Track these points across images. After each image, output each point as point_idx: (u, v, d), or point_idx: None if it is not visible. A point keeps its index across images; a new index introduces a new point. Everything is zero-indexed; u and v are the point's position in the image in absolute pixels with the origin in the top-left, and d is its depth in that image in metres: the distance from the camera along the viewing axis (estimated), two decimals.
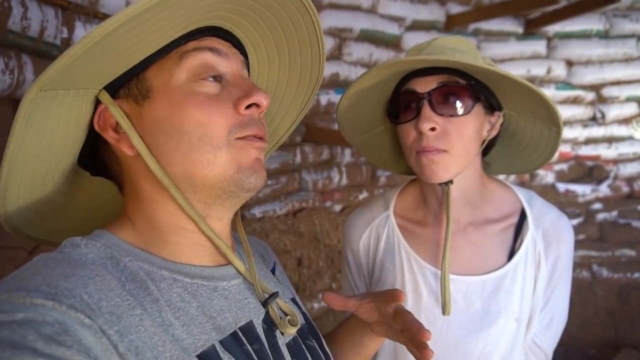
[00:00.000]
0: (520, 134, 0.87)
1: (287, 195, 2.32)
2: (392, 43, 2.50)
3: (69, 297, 0.39)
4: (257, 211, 2.18)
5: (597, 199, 3.08)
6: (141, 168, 0.51)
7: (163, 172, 0.49)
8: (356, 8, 2.34)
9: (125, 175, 0.53)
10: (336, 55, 2.36)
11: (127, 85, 0.51)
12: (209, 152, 0.49)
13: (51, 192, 0.54)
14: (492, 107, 0.81)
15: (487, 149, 0.86)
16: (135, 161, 0.51)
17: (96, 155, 0.55)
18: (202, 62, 0.51)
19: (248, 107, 0.51)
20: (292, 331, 0.55)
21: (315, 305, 2.38)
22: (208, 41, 0.53)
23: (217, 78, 0.52)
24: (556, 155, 3.15)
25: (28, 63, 1.22)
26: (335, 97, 2.34)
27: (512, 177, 3.01)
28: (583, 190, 3.05)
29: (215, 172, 0.50)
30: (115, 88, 0.51)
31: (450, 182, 0.80)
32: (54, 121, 0.47)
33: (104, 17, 1.41)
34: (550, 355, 0.87)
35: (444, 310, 0.76)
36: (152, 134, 0.50)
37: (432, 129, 0.75)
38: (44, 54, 1.27)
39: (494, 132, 0.83)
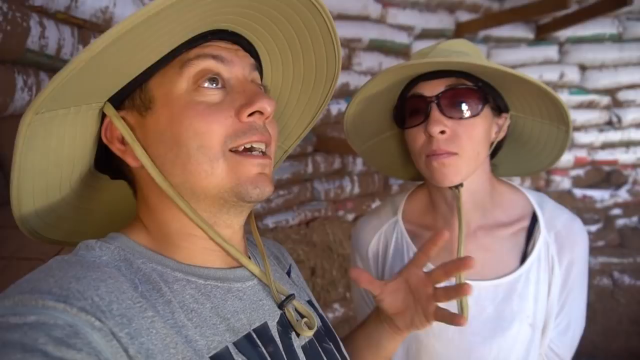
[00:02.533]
0: (527, 135, 0.86)
1: (299, 205, 2.33)
2: (402, 52, 2.51)
3: (80, 299, 0.40)
4: (270, 221, 2.19)
5: (616, 205, 3.02)
6: (147, 179, 0.52)
7: (167, 183, 0.50)
8: (365, 18, 2.36)
9: (136, 183, 0.55)
10: (346, 65, 2.38)
11: (132, 96, 0.51)
12: (206, 163, 0.49)
13: (68, 196, 0.55)
14: (499, 109, 0.81)
15: (494, 151, 0.85)
16: (141, 172, 0.52)
17: (113, 160, 0.56)
18: (203, 69, 0.50)
19: (251, 114, 0.50)
20: (309, 334, 0.55)
21: (330, 315, 2.36)
22: (211, 47, 0.51)
23: (220, 85, 0.51)
24: (572, 160, 3.10)
25: (46, 80, 1.26)
26: (345, 107, 2.35)
27: (527, 183, 2.97)
28: (601, 195, 2.99)
29: (214, 183, 0.49)
30: (120, 99, 0.51)
31: (461, 185, 0.79)
32: (57, 140, 0.48)
33: None
34: None
35: (461, 309, 0.74)
36: (154, 146, 0.50)
37: (442, 132, 0.74)
38: None
39: (502, 134, 0.82)
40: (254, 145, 0.51)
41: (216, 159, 0.49)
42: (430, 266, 0.84)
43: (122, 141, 0.52)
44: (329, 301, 2.37)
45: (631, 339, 2.91)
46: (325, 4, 0.52)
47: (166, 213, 0.52)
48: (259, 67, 0.58)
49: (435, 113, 0.75)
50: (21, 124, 0.45)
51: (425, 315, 0.66)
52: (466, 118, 0.75)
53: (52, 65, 1.27)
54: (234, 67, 0.52)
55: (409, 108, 0.79)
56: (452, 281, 0.81)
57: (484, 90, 0.77)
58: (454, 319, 0.62)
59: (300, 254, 2.30)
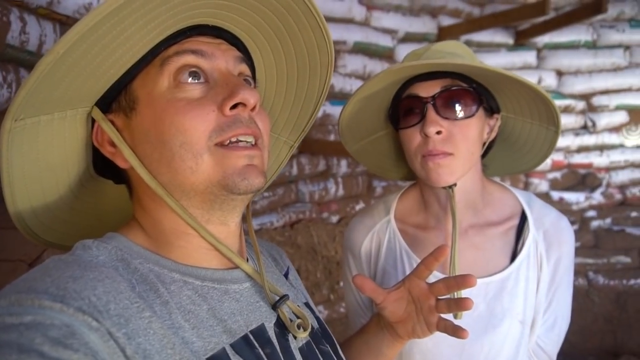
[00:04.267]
0: (516, 136, 0.88)
1: (284, 206, 2.32)
2: (386, 55, 2.53)
3: (77, 299, 0.39)
4: (254, 223, 2.18)
5: (591, 207, 3.11)
6: (139, 179, 0.52)
7: (157, 183, 0.49)
8: (349, 21, 2.37)
9: (130, 184, 0.55)
10: None
11: (118, 98, 0.51)
12: (191, 159, 0.48)
13: (67, 197, 0.55)
14: (491, 109, 0.83)
15: (485, 151, 0.87)
16: (133, 173, 0.52)
17: (110, 163, 0.55)
18: (183, 64, 0.49)
19: (234, 107, 0.49)
20: (303, 335, 0.54)
21: None
22: (190, 43, 0.50)
23: (201, 79, 0.50)
24: (549, 163, 3.17)
25: (26, 77, 1.23)
26: (330, 109, 2.36)
27: (507, 185, 3.03)
28: (577, 198, 3.08)
29: (201, 179, 0.49)
30: (107, 103, 0.51)
31: (454, 185, 0.80)
32: (45, 145, 0.48)
33: None
34: (554, 358, 0.87)
35: (456, 314, 0.75)
36: (140, 146, 0.50)
37: (438, 133, 0.75)
38: None
39: (493, 135, 0.84)
40: (240, 139, 0.49)
41: (200, 154, 0.48)
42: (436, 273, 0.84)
43: (112, 144, 0.52)
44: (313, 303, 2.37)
45: (605, 338, 3.00)
46: None
47: (159, 212, 0.52)
48: (248, 61, 0.57)
49: (431, 113, 0.76)
50: (1, 131, 0.44)
51: (427, 325, 0.67)
52: (461, 119, 0.77)
53: (33, 61, 1.23)
54: (216, 60, 0.51)
55: (404, 108, 0.80)
56: (441, 276, 0.82)
57: (478, 92, 0.79)
58: (456, 331, 0.63)
59: None
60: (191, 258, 0.52)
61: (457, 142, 0.76)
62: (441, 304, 0.65)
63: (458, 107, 0.76)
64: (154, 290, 0.46)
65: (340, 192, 2.51)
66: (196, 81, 0.49)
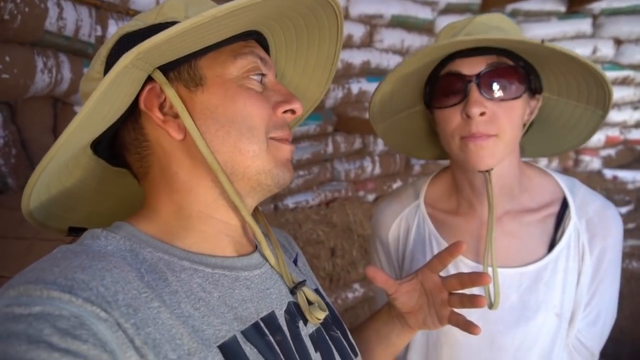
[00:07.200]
0: (555, 117, 0.82)
1: (319, 185, 2.31)
2: (425, 28, 2.43)
3: (85, 290, 0.39)
4: (290, 202, 2.19)
5: None
6: (180, 154, 0.51)
7: (214, 157, 0.50)
8: None
9: (155, 162, 0.53)
10: (367, 42, 2.32)
11: (177, 69, 0.51)
12: (255, 143, 0.51)
13: (70, 184, 0.54)
14: (534, 90, 0.76)
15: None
16: (176, 146, 0.51)
17: (113, 144, 0.55)
18: (253, 64, 0.53)
19: (285, 111, 0.55)
20: (322, 316, 0.55)
21: (350, 295, 2.37)
22: (258, 49, 0.56)
23: (261, 80, 0.55)
24: (602, 139, 2.97)
25: (65, 62, 1.26)
26: (366, 86, 2.30)
27: (555, 163, 2.88)
28: (633, 176, 2.88)
29: (257, 164, 0.52)
30: (163, 69, 0.51)
31: (491, 169, 0.75)
32: (118, 91, 0.47)
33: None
34: (597, 354, 0.82)
35: (492, 304, 0.72)
36: (201, 121, 0.50)
37: (482, 114, 0.70)
38: (80, 52, 1.31)
39: (532, 117, 0.78)
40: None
41: (262, 142, 0.52)
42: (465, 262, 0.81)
43: (162, 111, 0.51)
44: (348, 281, 2.38)
45: None
46: None
47: (191, 193, 0.52)
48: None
49: (475, 93, 0.70)
50: (118, 64, 0.43)
51: (438, 318, 0.66)
52: (508, 100, 0.71)
53: (70, 46, 1.27)
54: (269, 70, 0.56)
55: (443, 87, 0.74)
56: (471, 264, 0.79)
57: (526, 70, 0.72)
58: (468, 327, 0.62)
59: (320, 235, 2.30)
60: (208, 244, 0.52)
61: (501, 124, 0.70)
62: (454, 299, 0.64)
63: (505, 88, 0.70)
64: (163, 279, 0.46)
65: (377, 170, 2.48)
66: (259, 80, 0.54)
